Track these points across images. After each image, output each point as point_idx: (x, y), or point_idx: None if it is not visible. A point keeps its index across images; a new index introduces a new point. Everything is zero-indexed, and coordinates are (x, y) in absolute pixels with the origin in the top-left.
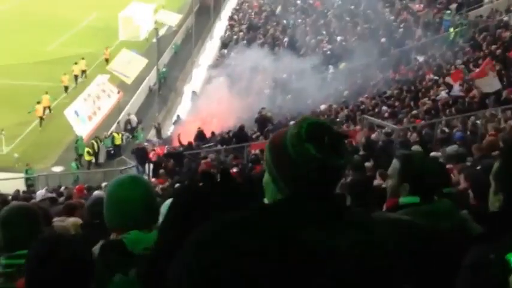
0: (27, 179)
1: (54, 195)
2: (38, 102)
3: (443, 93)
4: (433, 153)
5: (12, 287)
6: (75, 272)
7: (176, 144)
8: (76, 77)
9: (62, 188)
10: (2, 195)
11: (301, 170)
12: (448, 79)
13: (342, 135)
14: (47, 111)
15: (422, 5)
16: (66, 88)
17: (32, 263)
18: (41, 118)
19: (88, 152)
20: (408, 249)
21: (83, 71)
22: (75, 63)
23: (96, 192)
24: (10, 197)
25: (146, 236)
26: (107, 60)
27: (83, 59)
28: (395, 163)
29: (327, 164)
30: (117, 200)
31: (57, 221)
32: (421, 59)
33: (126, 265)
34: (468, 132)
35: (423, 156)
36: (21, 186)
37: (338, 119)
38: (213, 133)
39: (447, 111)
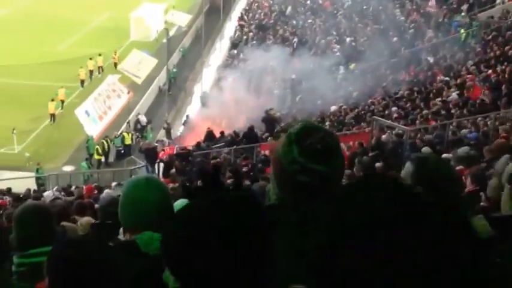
0: (38, 178)
1: (60, 195)
2: (52, 100)
3: (454, 95)
4: (444, 155)
5: (25, 286)
6: (104, 275)
7: (186, 143)
8: (91, 72)
9: (73, 188)
10: (13, 193)
11: (285, 171)
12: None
13: (333, 144)
14: (60, 108)
15: (433, 6)
16: (82, 82)
17: (61, 266)
18: (52, 115)
19: (97, 151)
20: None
21: (100, 67)
22: (90, 59)
23: (106, 191)
24: (21, 195)
25: (159, 237)
26: (115, 65)
27: (99, 55)
28: (408, 166)
29: (307, 168)
30: (132, 201)
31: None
32: (431, 60)
33: (140, 266)
34: (480, 133)
35: (438, 159)
36: (32, 185)
37: (347, 120)
38: (222, 133)
39: (456, 111)
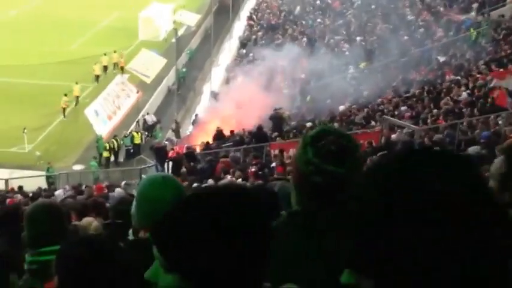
0: (48, 177)
1: (72, 193)
2: (65, 95)
3: (464, 94)
4: None
5: (37, 283)
6: (114, 275)
7: (195, 142)
8: (105, 68)
9: (83, 187)
10: (25, 192)
11: (301, 173)
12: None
13: (349, 146)
14: (74, 104)
15: (443, 5)
16: (97, 77)
17: (72, 265)
18: (64, 109)
19: (105, 148)
20: None
21: (115, 63)
22: (105, 54)
23: (118, 190)
24: (31, 194)
25: None
26: (122, 68)
27: (114, 51)
28: (498, 161)
29: (322, 169)
30: (147, 199)
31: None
32: (442, 59)
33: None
34: (491, 132)
35: None
36: (43, 184)
37: (357, 120)
38: (232, 132)
39: (467, 111)
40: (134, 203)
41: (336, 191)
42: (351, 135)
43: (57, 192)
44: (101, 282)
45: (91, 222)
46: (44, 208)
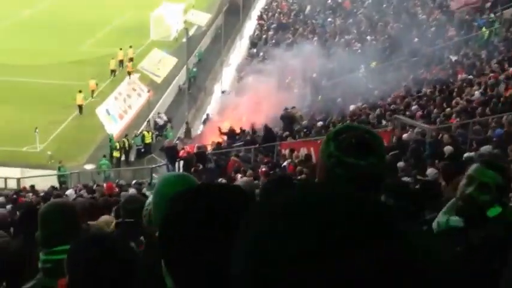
0: (60, 176)
1: (84, 192)
2: (80, 91)
3: (477, 93)
4: (466, 154)
5: (50, 282)
6: (124, 273)
7: (205, 142)
8: (121, 62)
9: (94, 186)
10: (37, 191)
11: (324, 166)
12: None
13: (370, 139)
14: (90, 97)
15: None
16: (113, 72)
17: (82, 263)
18: (80, 106)
19: (116, 148)
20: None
21: (130, 58)
22: (120, 49)
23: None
24: (42, 194)
25: None
26: (129, 73)
27: (130, 47)
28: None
29: (343, 162)
30: (163, 198)
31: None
32: (454, 58)
33: None
34: (504, 131)
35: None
36: (54, 183)
37: (368, 119)
38: (242, 130)
39: (479, 110)
40: (148, 201)
41: (360, 184)
42: (373, 131)
43: (68, 192)
44: (110, 281)
45: (110, 222)
46: (58, 208)
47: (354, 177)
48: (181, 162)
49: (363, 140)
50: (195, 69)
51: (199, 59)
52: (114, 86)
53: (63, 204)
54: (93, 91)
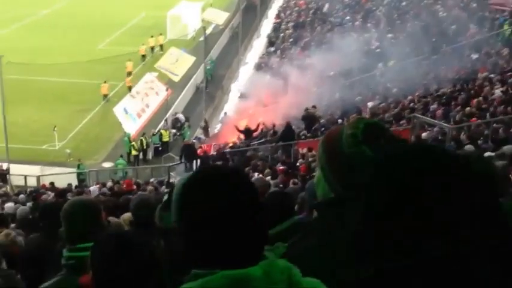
0: (79, 174)
1: (106, 190)
2: (105, 82)
3: (498, 92)
4: (487, 154)
5: (74, 278)
6: (146, 271)
7: (223, 141)
8: (152, 48)
9: (109, 183)
10: (57, 188)
11: (356, 171)
12: None
13: (398, 137)
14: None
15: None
16: (143, 56)
17: (106, 259)
18: (106, 95)
19: (133, 147)
20: None
21: (161, 45)
22: (152, 37)
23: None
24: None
25: None
26: (129, 88)
27: (160, 34)
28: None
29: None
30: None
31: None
32: (475, 56)
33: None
34: None
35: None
36: (73, 180)
37: (387, 118)
38: (258, 126)
39: (500, 109)
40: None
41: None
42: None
43: (92, 188)
44: (133, 275)
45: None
46: (82, 206)
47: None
48: (199, 161)
49: (394, 139)
50: (212, 63)
51: (211, 68)
52: (144, 72)
53: (89, 202)
54: (105, 95)
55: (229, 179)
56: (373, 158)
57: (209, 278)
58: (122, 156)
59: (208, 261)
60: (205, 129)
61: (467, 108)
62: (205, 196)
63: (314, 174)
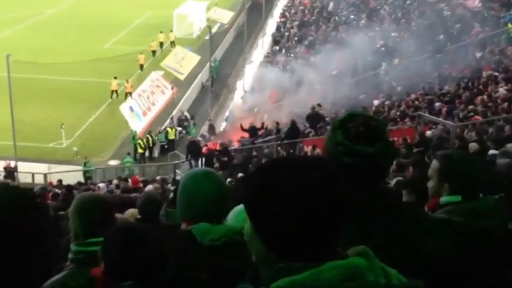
0: (85, 172)
1: (114, 187)
2: (115, 78)
3: (502, 90)
4: (491, 151)
5: (82, 272)
6: (156, 263)
7: (229, 138)
8: (161, 44)
9: (115, 181)
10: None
11: (332, 156)
12: None
13: (377, 126)
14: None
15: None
16: (154, 52)
17: (116, 252)
18: (115, 91)
19: (140, 145)
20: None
21: (172, 42)
22: (161, 32)
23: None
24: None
25: (215, 228)
26: (126, 94)
27: (171, 31)
28: (434, 163)
29: (352, 150)
30: (189, 194)
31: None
32: (479, 55)
33: (195, 254)
34: None
35: (463, 155)
36: (80, 178)
37: (391, 116)
38: (264, 126)
39: (504, 106)
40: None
41: (367, 172)
42: (378, 117)
43: (101, 185)
44: (142, 268)
45: (135, 215)
46: (95, 201)
47: (362, 165)
48: (204, 159)
49: (370, 126)
50: (217, 62)
51: (215, 70)
52: (153, 69)
53: (100, 198)
54: (115, 91)
55: (322, 168)
56: (341, 141)
57: (316, 270)
58: (129, 154)
59: (298, 255)
60: (211, 128)
61: (471, 106)
62: (301, 187)
63: None
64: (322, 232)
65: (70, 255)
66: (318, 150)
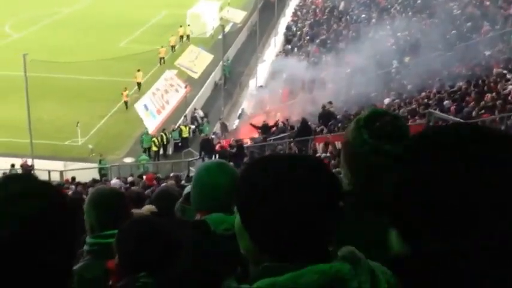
0: (100, 169)
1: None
2: (138, 70)
3: (510, 87)
4: None
5: (98, 263)
6: (170, 255)
7: (241, 136)
8: (181, 37)
9: (129, 178)
10: (78, 182)
11: (357, 155)
12: None
13: (404, 126)
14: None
15: None
16: (173, 47)
17: (131, 244)
18: (139, 83)
19: (154, 143)
20: None
21: (187, 36)
22: (180, 26)
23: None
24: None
25: (228, 218)
26: (126, 103)
27: (188, 25)
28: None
29: (378, 149)
30: (203, 185)
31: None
32: (488, 53)
33: (210, 243)
34: None
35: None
36: (95, 175)
37: (402, 113)
38: (276, 124)
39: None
40: (186, 190)
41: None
42: (400, 116)
43: (113, 182)
44: (156, 260)
45: (152, 211)
46: (111, 193)
47: (387, 165)
48: (217, 156)
49: (397, 126)
50: (229, 61)
51: (228, 72)
52: (167, 66)
53: (116, 191)
54: (139, 84)
55: (313, 166)
56: (367, 140)
57: (297, 274)
58: (145, 151)
59: (285, 254)
60: (224, 125)
61: (482, 103)
62: (302, 187)
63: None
64: (310, 232)
65: (86, 247)
66: (329, 148)
